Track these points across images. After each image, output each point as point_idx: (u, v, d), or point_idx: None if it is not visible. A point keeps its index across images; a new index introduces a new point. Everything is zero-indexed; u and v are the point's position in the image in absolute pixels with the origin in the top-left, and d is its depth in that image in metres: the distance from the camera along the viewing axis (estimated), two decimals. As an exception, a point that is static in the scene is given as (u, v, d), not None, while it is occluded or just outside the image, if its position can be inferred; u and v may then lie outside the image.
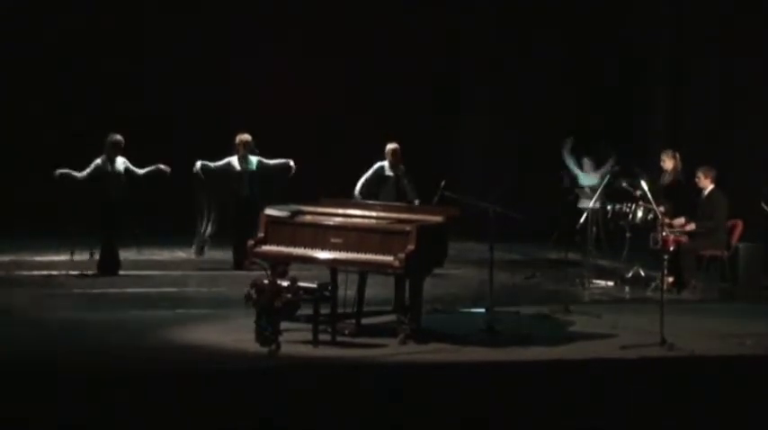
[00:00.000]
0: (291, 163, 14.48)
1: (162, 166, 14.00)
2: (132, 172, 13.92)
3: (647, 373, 9.49)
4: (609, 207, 13.86)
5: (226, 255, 14.60)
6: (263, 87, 17.89)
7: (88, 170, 13.75)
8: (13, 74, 17.41)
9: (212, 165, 14.43)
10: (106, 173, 13.80)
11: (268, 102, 17.73)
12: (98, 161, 13.82)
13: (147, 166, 14.04)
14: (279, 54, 18.14)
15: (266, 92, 17.85)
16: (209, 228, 14.65)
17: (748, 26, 16.36)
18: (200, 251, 14.76)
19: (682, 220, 13.57)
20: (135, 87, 17.70)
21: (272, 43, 18.19)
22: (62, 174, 13.68)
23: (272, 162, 14.55)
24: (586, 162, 15.96)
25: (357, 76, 18.31)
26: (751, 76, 16.24)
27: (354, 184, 14.42)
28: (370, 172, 14.53)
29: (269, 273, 10.32)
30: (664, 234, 12.96)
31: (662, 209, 12.98)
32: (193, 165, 14.41)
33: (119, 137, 13.90)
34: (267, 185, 14.34)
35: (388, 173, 14.57)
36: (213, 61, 18.02)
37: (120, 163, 13.89)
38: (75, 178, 13.71)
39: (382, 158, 14.66)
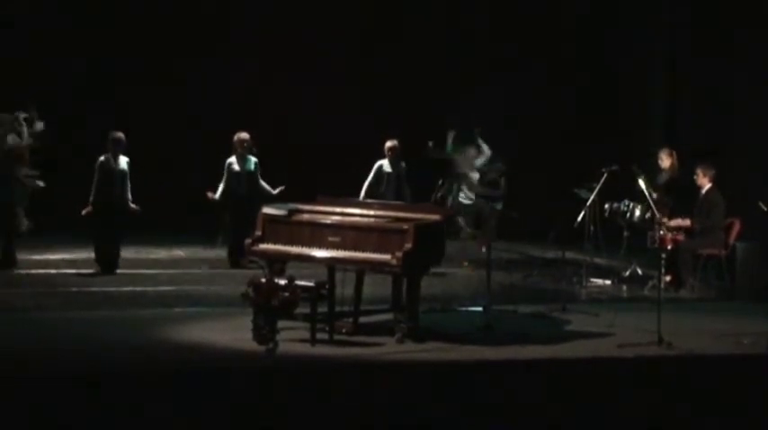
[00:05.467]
0: (274, 192, 14.32)
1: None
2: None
3: (645, 372, 9.50)
4: (606, 205, 13.86)
5: (223, 253, 14.60)
6: (263, 86, 17.89)
7: (96, 176, 13.77)
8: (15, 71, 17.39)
9: (221, 190, 14.41)
10: (109, 170, 13.79)
11: (267, 101, 17.73)
12: (101, 158, 13.82)
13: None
14: (279, 53, 18.13)
15: (265, 91, 17.84)
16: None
17: (747, 25, 16.38)
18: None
19: (687, 222, 13.53)
20: (135, 87, 17.70)
21: (272, 42, 18.18)
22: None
23: (262, 183, 14.51)
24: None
25: (357, 75, 18.31)
26: (750, 75, 16.25)
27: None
28: (371, 174, 14.58)
29: (266, 271, 10.32)
30: (661, 232, 12.96)
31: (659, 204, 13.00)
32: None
33: (121, 134, 13.89)
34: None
35: (388, 170, 14.59)
36: (213, 60, 18.01)
37: (123, 161, 13.89)
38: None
39: (381, 157, 14.68)
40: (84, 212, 13.67)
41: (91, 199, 13.73)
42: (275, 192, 14.26)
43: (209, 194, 14.35)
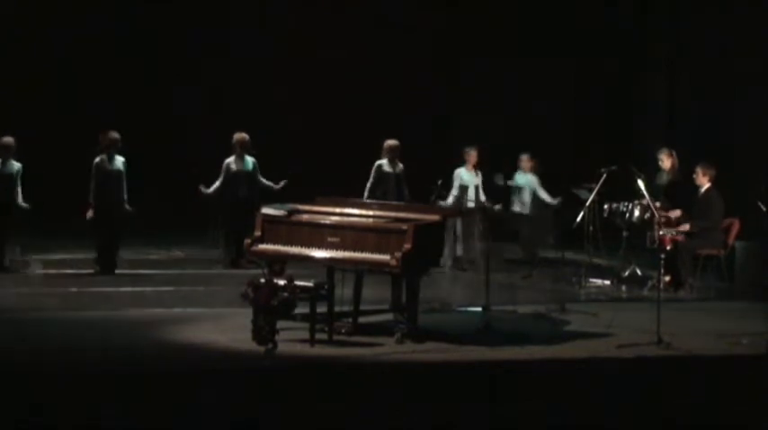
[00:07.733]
0: (276, 187, 14.41)
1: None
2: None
3: (644, 372, 9.50)
4: (606, 206, 13.86)
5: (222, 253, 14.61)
6: (261, 85, 17.90)
7: (93, 178, 13.77)
8: (13, 73, 17.41)
9: (215, 187, 14.39)
10: (105, 171, 13.79)
11: (266, 100, 17.74)
12: (96, 160, 13.83)
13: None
14: (278, 51, 18.15)
15: (264, 90, 17.86)
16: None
17: (747, 25, 16.40)
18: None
19: (678, 212, 13.57)
20: (136, 86, 17.71)
21: (271, 40, 18.20)
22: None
23: (263, 180, 14.50)
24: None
25: (356, 75, 18.32)
26: (750, 75, 16.27)
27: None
28: (372, 176, 14.52)
29: (266, 271, 10.32)
30: (661, 233, 12.96)
31: (657, 204, 13.00)
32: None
33: (116, 135, 13.89)
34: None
35: (387, 169, 14.57)
36: (212, 59, 18.03)
37: (119, 162, 13.88)
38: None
39: (379, 157, 14.67)
40: (88, 216, 13.66)
41: (90, 200, 13.72)
42: (278, 186, 14.29)
43: (201, 188, 14.33)
